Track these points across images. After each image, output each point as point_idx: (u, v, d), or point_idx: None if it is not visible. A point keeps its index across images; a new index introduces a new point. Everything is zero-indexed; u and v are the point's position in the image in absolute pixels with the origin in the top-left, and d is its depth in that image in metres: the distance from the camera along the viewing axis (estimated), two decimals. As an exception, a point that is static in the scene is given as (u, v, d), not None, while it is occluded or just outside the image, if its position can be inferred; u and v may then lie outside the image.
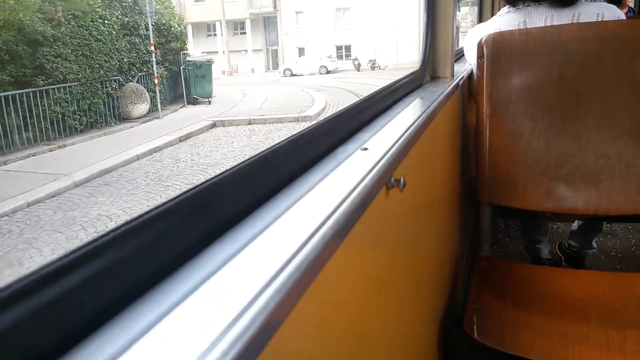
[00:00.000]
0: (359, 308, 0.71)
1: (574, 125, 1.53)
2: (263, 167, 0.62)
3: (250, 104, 16.86)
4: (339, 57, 33.79)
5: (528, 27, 1.62)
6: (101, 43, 13.54)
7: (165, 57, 16.84)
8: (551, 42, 1.49)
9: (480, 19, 2.90)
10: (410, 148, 0.86)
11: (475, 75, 1.62)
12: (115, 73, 13.91)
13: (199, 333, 0.35)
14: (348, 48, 34.24)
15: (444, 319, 1.40)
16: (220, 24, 35.25)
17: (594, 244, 2.18)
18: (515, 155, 1.58)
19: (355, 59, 31.44)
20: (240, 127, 12.92)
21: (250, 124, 13.20)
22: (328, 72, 30.10)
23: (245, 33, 36.86)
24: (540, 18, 1.62)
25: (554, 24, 1.60)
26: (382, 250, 0.82)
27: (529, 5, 1.64)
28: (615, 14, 1.60)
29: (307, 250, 0.47)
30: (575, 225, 2.21)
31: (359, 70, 30.32)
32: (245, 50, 36.67)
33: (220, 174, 0.54)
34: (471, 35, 1.81)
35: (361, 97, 1.01)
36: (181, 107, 16.58)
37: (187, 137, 11.89)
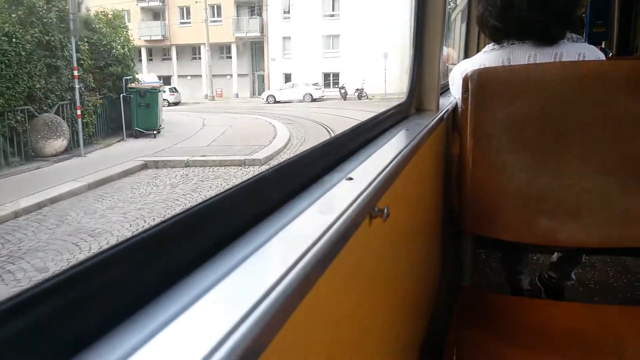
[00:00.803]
0: (340, 337, 0.71)
1: (555, 160, 1.56)
2: (249, 194, 0.63)
3: (203, 137, 15.25)
4: (327, 84, 33.27)
5: (512, 64, 1.67)
6: (3, 65, 11.03)
7: (104, 82, 14.71)
8: (534, 80, 1.54)
9: (466, 54, 2.97)
10: (395, 179, 0.88)
11: (459, 109, 1.66)
12: (22, 102, 11.40)
13: (185, 354, 0.35)
14: (336, 75, 33.67)
15: (424, 350, 1.41)
16: (204, 47, 34.74)
17: (573, 275, 2.21)
18: (498, 187, 1.60)
19: (342, 88, 30.90)
20: (173, 170, 11.21)
21: (188, 166, 11.53)
22: (313, 99, 29.58)
23: (230, 57, 36.33)
24: (524, 56, 1.67)
25: (537, 62, 1.65)
26: (364, 281, 0.83)
27: (513, 44, 1.69)
28: (596, 54, 1.66)
29: (290, 278, 0.47)
30: (555, 257, 2.24)
31: (345, 99, 29.84)
32: (230, 75, 36.17)
33: (208, 199, 0.55)
34: (457, 70, 1.86)
35: (335, 133, 1.01)
36: (118, 142, 14.45)
37: (101, 183, 9.86)
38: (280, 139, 14.61)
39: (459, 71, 1.78)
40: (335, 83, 33.11)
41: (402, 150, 0.98)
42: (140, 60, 34.45)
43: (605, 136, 1.53)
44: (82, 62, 13.40)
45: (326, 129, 15.85)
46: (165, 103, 28.62)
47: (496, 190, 1.60)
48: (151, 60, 35.91)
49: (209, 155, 12.21)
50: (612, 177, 1.53)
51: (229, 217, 0.57)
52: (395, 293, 1.10)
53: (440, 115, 1.54)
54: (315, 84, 31.33)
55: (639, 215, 1.53)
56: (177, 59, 35.68)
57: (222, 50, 36.47)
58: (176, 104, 29.86)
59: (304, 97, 29.77)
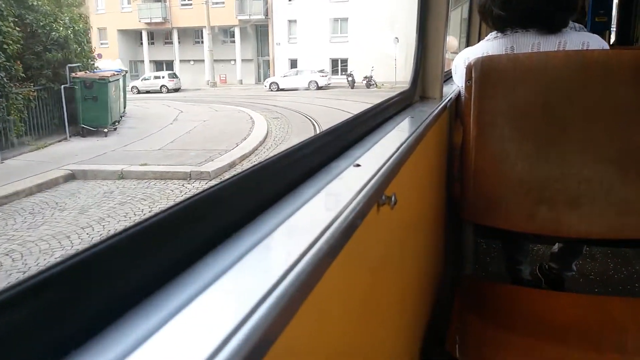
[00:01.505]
0: (347, 325, 0.71)
1: (557, 149, 1.56)
2: (257, 180, 0.62)
3: (162, 137, 12.94)
4: (334, 71, 30.46)
5: (515, 52, 1.66)
6: None
7: (42, 71, 12.19)
8: (537, 68, 1.53)
9: (468, 42, 2.95)
10: (402, 166, 0.87)
11: (462, 97, 1.65)
12: None
13: (192, 349, 0.34)
14: (345, 62, 30.74)
15: (426, 338, 1.41)
16: (206, 30, 31.94)
17: (573, 266, 2.22)
18: (500, 176, 1.60)
19: (350, 75, 28.52)
20: (101, 184, 8.95)
21: (122, 178, 9.21)
22: (319, 87, 27.41)
23: (234, 41, 33.31)
24: (527, 44, 1.66)
25: (541, 50, 1.64)
26: (370, 269, 0.83)
27: (516, 32, 1.68)
28: (600, 43, 1.64)
29: (300, 267, 0.46)
30: (555, 247, 2.24)
31: (352, 88, 27.48)
32: (234, 60, 33.34)
33: (213, 187, 0.54)
34: (460, 58, 1.84)
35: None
36: (58, 142, 11.83)
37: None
38: (251, 141, 12.32)
39: (462, 59, 1.77)
40: (344, 70, 30.50)
41: (408, 137, 0.98)
42: (141, 44, 33.60)
43: (607, 126, 1.53)
44: (4, 46, 10.78)
45: (314, 124, 14.32)
46: (164, 90, 27.77)
47: (498, 179, 1.60)
48: (153, 44, 34.11)
49: (150, 165, 9.79)
50: (613, 167, 1.52)
51: (236, 205, 0.57)
52: (401, 281, 1.10)
53: (443, 103, 1.53)
54: (322, 71, 28.93)
55: (638, 206, 1.53)
56: (179, 42, 33.70)
57: (225, 34, 33.86)
58: (176, 90, 28.69)
59: (309, 84, 27.68)
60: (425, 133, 1.15)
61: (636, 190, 1.52)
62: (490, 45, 1.72)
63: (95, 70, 14.24)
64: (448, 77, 2.08)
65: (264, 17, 32.48)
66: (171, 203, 0.51)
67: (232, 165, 10.01)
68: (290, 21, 31.91)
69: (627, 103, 1.50)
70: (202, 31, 32.64)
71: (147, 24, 32.97)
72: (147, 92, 27.76)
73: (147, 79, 29.51)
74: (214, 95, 25.60)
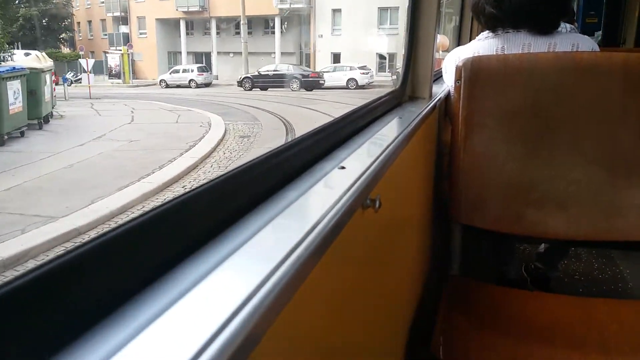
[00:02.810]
0: (331, 325, 0.71)
1: (546, 151, 1.56)
2: (242, 182, 0.62)
3: (60, 161, 8.92)
4: (381, 67, 26.54)
5: (506, 53, 1.66)
6: None
7: None
8: (527, 69, 1.53)
9: (459, 42, 2.95)
10: (387, 168, 0.86)
11: (452, 97, 1.65)
12: None
13: (176, 349, 0.34)
14: (393, 57, 26.45)
15: (411, 338, 1.41)
16: (243, 20, 28.19)
17: (559, 267, 2.23)
18: (488, 177, 1.60)
19: (396, 72, 22.62)
20: None
21: None
22: (358, 86, 23.38)
23: (274, 32, 29.70)
24: (518, 45, 1.65)
25: (531, 51, 1.64)
26: (354, 272, 0.82)
27: (507, 32, 1.67)
28: (590, 45, 1.65)
29: (283, 269, 0.47)
30: (542, 247, 2.25)
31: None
32: (273, 53, 29.19)
33: (195, 189, 0.54)
34: (450, 57, 1.84)
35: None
36: None
37: None
38: (170, 171, 8.33)
39: (453, 59, 1.76)
40: (392, 66, 26.39)
41: (395, 139, 0.97)
42: (180, 35, 30.78)
43: (596, 128, 1.53)
44: None
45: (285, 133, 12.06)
46: (193, 84, 25.45)
47: (486, 180, 1.60)
48: (191, 34, 31.09)
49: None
50: (601, 169, 1.53)
51: (219, 207, 0.56)
52: (386, 281, 1.09)
53: (433, 103, 1.52)
54: (363, 67, 24.63)
55: (625, 208, 1.53)
56: (217, 33, 30.34)
57: (266, 24, 30.11)
58: (207, 85, 26.25)
59: (347, 83, 23.71)
60: (413, 133, 1.14)
61: (624, 192, 1.53)
62: (481, 45, 1.72)
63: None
64: (438, 77, 2.07)
65: (305, 6, 28.68)
66: (153, 205, 0.51)
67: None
68: (334, 10, 27.67)
69: (616, 105, 1.50)
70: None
71: (185, 12, 30.25)
72: (178, 86, 25.48)
73: (176, 72, 27.11)
74: (233, 94, 21.81)
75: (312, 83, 23.38)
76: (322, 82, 23.73)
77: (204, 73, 27.00)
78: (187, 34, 31.08)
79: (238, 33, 29.52)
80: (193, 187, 0.54)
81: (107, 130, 12.69)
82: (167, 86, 25.71)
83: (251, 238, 0.52)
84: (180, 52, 31.06)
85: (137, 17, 28.98)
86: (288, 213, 0.60)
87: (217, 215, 0.55)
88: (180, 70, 27.23)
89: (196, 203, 0.53)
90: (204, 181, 0.56)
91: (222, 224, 0.55)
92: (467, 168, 1.60)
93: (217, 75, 29.03)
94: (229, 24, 29.97)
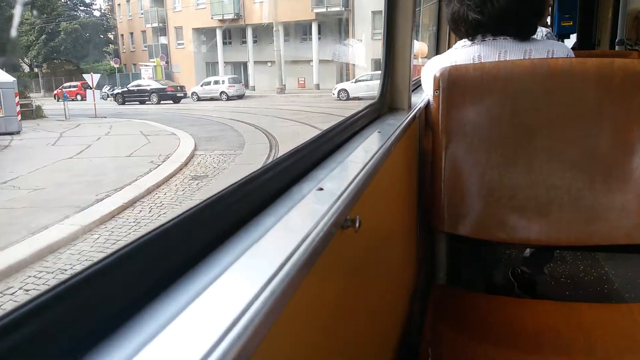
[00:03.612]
0: (317, 346, 0.70)
1: (525, 157, 1.57)
2: (218, 209, 0.61)
3: None
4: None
5: (482, 61, 1.67)
6: None
7: None
8: (504, 77, 1.54)
9: (437, 51, 2.97)
10: (367, 187, 0.86)
11: (431, 106, 1.65)
12: None
13: None
14: None
15: (399, 349, 1.41)
16: (274, 26, 26.72)
17: (545, 270, 2.25)
18: (470, 185, 1.61)
19: None
20: None
21: None
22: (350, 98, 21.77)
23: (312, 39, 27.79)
24: (494, 53, 1.67)
25: (507, 58, 1.66)
26: (339, 290, 0.82)
27: (484, 40, 1.69)
28: (565, 52, 1.67)
29: (267, 293, 0.47)
30: (527, 252, 2.26)
31: None
32: (311, 61, 27.20)
33: (160, 226, 0.53)
34: (428, 67, 1.85)
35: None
36: None
37: None
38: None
39: (431, 68, 1.77)
40: None
41: (374, 155, 0.97)
42: (216, 44, 29.06)
43: (573, 133, 1.55)
44: None
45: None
46: (224, 97, 23.57)
47: (468, 188, 1.61)
48: (229, 44, 29.35)
49: None
50: (580, 173, 1.55)
51: (197, 234, 0.56)
52: (372, 298, 1.09)
53: (412, 114, 1.53)
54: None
55: (605, 212, 1.55)
56: (254, 42, 28.70)
57: (304, 30, 27.92)
58: (240, 97, 24.30)
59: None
60: (393, 147, 1.14)
61: (603, 197, 1.54)
62: (458, 53, 1.73)
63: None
64: (417, 86, 2.09)
65: (343, 9, 26.57)
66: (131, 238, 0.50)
67: None
68: (374, 13, 24.76)
69: (592, 111, 1.52)
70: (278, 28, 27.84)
71: (220, 21, 28.50)
72: (211, 99, 23.67)
73: (207, 84, 25.31)
74: (258, 107, 20.38)
75: (170, 96, 22.62)
76: (182, 94, 23.07)
77: (235, 85, 25.20)
78: (225, 43, 29.31)
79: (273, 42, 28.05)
80: (172, 217, 0.54)
81: (30, 169, 10.01)
82: (199, 99, 23.98)
83: (231, 265, 0.52)
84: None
85: (175, 27, 27.73)
86: (268, 238, 0.60)
87: (195, 243, 0.55)
88: (212, 82, 25.52)
89: (176, 231, 0.53)
90: (167, 216, 0.55)
91: (201, 252, 0.54)
92: (449, 176, 1.61)
93: (254, 86, 27.30)
94: (266, 32, 28.10)
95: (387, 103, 1.59)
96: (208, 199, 0.60)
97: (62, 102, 16.59)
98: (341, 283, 0.84)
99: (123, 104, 21.75)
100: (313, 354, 0.68)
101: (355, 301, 0.95)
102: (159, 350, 0.38)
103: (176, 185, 8.68)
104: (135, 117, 17.41)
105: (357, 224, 0.77)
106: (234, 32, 29.10)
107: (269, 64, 27.93)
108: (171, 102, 22.21)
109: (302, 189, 0.76)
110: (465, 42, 1.75)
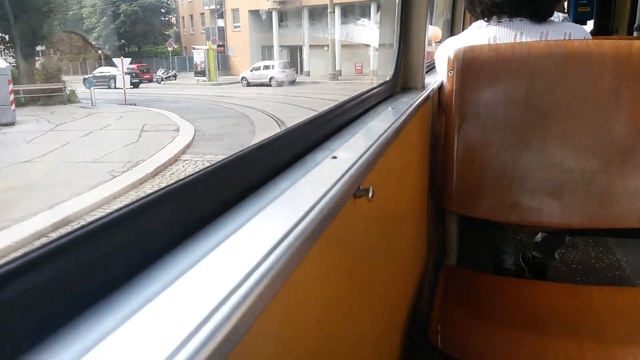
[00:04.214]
0: (325, 314, 0.71)
1: (539, 139, 1.56)
2: (232, 171, 0.61)
3: None
4: None
5: (498, 42, 1.66)
6: None
7: None
8: (519, 58, 1.53)
9: (452, 32, 2.94)
10: (380, 158, 0.86)
11: (445, 88, 1.65)
12: None
13: (169, 332, 0.35)
14: None
15: (408, 327, 1.41)
16: (329, 7, 24.20)
17: (556, 255, 2.24)
18: (482, 166, 1.60)
19: None
20: None
21: None
22: None
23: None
24: (510, 34, 1.65)
25: (523, 40, 1.64)
26: (349, 259, 0.82)
27: (500, 22, 1.67)
28: (583, 34, 1.64)
29: (274, 257, 0.47)
30: (539, 237, 2.25)
31: None
32: (369, 45, 24.66)
33: (187, 177, 0.54)
34: (442, 48, 1.83)
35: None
36: None
37: None
38: None
39: (445, 49, 1.76)
40: None
41: (388, 129, 0.97)
42: (272, 27, 27.47)
43: (589, 116, 1.53)
44: None
45: None
46: (274, 83, 22.52)
47: (481, 169, 1.60)
48: (285, 26, 27.55)
49: None
50: (595, 156, 1.53)
51: (210, 195, 0.56)
52: (380, 271, 1.10)
53: (425, 93, 1.52)
54: None
55: (619, 195, 1.54)
56: (310, 24, 26.94)
57: (363, 11, 25.49)
58: (291, 83, 23.02)
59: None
60: (406, 124, 1.14)
61: (617, 180, 1.53)
62: (473, 35, 1.72)
63: None
64: (431, 68, 2.07)
65: None
66: (146, 192, 0.51)
67: None
68: None
69: (608, 93, 1.51)
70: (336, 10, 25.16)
71: (277, 2, 27.16)
72: (261, 84, 22.72)
73: (257, 69, 24.14)
74: (300, 96, 18.60)
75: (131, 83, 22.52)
76: (137, 80, 23.03)
77: (285, 70, 23.81)
78: (281, 26, 27.58)
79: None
80: (184, 177, 0.55)
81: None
82: (248, 84, 23.21)
83: (242, 227, 0.53)
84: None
85: (232, 9, 26.81)
86: (279, 202, 0.60)
87: (207, 204, 0.55)
88: (261, 67, 24.23)
89: (187, 192, 0.53)
90: (194, 171, 0.56)
91: (213, 213, 0.55)
92: (461, 158, 1.61)
93: (308, 72, 25.74)
94: (324, 14, 25.69)
95: (400, 83, 1.59)
96: (222, 160, 0.60)
97: (89, 88, 16.37)
98: (351, 253, 0.84)
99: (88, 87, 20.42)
100: (318, 325, 0.68)
101: (365, 274, 0.95)
102: (157, 314, 0.38)
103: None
104: (167, 104, 16.75)
105: (369, 194, 0.78)
106: (290, 14, 27.76)
107: (325, 48, 26.14)
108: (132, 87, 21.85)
109: (317, 157, 0.76)
110: (480, 23, 1.74)
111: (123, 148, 10.67)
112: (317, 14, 26.91)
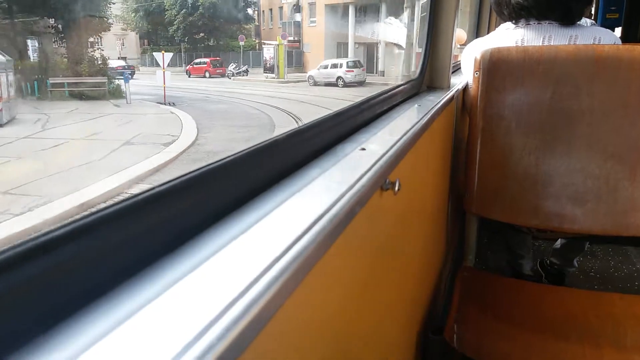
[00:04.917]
0: (344, 309, 0.71)
1: (564, 144, 1.55)
2: (262, 158, 0.62)
3: None
4: None
5: (526, 45, 1.64)
6: None
7: None
8: (547, 61, 1.52)
9: (477, 34, 2.93)
10: (407, 152, 0.87)
11: (470, 89, 1.64)
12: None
13: (186, 324, 0.34)
14: None
15: (425, 326, 1.41)
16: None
17: (575, 262, 2.21)
18: (505, 169, 1.59)
19: None
20: None
21: None
22: None
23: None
24: (539, 37, 1.64)
25: (552, 43, 1.63)
26: (370, 253, 0.83)
27: (528, 24, 1.66)
28: (612, 39, 1.63)
29: (300, 246, 0.46)
30: (558, 243, 2.23)
31: None
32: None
33: (217, 161, 0.54)
34: (469, 49, 1.83)
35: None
36: None
37: None
38: None
39: (472, 50, 1.75)
40: None
41: (415, 124, 0.97)
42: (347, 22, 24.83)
43: (615, 122, 1.52)
44: None
45: None
46: (340, 82, 21.35)
47: (503, 172, 1.59)
48: (363, 22, 25.07)
49: None
50: (620, 163, 1.52)
51: (239, 181, 0.56)
52: (401, 267, 1.10)
53: (451, 93, 1.52)
54: None
55: None
56: (386, 19, 24.33)
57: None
58: (360, 83, 21.21)
59: None
60: (431, 122, 1.14)
61: None
62: (501, 37, 1.71)
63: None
64: (456, 69, 2.07)
65: None
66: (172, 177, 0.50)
67: None
68: None
69: (636, 100, 1.49)
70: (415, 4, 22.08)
71: None
72: (327, 84, 21.25)
73: (325, 68, 22.50)
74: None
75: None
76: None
77: (354, 69, 21.94)
78: (359, 20, 25.12)
79: (412, 20, 20.99)
80: (219, 159, 0.55)
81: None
82: (315, 83, 21.69)
83: (271, 212, 0.53)
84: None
85: (309, 3, 25.54)
86: (309, 190, 0.60)
87: (235, 190, 0.55)
88: (329, 66, 22.58)
89: (217, 176, 0.54)
90: (229, 154, 0.56)
91: (242, 199, 0.55)
92: (484, 159, 1.60)
93: (382, 71, 24.01)
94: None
95: (426, 81, 1.59)
96: (258, 144, 0.61)
97: (125, 84, 15.23)
98: (373, 247, 0.84)
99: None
100: (336, 317, 0.68)
101: (384, 268, 0.96)
102: (167, 307, 0.36)
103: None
104: (207, 104, 15.34)
105: (396, 187, 0.78)
106: (370, 9, 25.28)
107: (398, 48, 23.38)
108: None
109: (346, 148, 0.77)
110: (508, 25, 1.72)
111: (65, 171, 7.64)
112: (391, 8, 24.27)
